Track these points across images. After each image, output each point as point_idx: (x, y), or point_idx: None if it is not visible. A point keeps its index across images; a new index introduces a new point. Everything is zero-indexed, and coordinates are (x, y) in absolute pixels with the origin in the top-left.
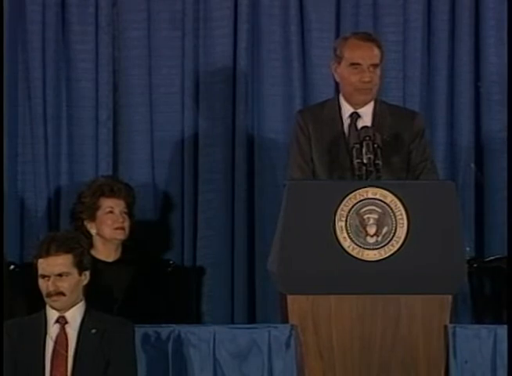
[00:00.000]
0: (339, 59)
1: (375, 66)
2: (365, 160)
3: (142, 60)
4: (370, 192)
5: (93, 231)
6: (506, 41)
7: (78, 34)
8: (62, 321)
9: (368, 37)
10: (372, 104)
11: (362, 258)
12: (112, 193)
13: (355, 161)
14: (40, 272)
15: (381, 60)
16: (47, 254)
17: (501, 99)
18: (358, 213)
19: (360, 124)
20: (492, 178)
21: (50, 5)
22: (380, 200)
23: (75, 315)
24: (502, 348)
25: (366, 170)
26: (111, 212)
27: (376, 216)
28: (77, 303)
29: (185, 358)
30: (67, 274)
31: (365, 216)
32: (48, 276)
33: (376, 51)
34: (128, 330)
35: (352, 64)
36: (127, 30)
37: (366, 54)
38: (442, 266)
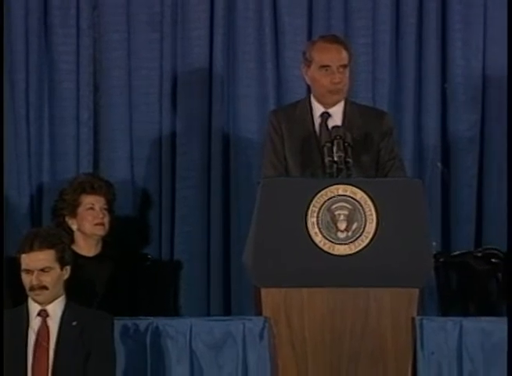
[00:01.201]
0: (309, 62)
1: (344, 67)
2: (336, 159)
3: (121, 62)
4: (341, 189)
5: (74, 227)
6: (507, 41)
7: (60, 37)
8: (43, 314)
9: (335, 40)
10: (342, 104)
11: (333, 252)
12: (92, 190)
13: (327, 159)
14: (23, 266)
15: (350, 61)
16: (30, 249)
17: (466, 100)
18: (329, 209)
19: (331, 123)
20: (458, 175)
21: (33, 9)
22: (351, 197)
23: (56, 308)
24: (467, 340)
25: (337, 168)
26: (92, 208)
27: (346, 212)
28: (59, 297)
29: (163, 349)
30: (50, 269)
31: (336, 212)
32: (32, 271)
33: (344, 53)
34: (107, 323)
35: (322, 66)
36: (107, 33)
37: (335, 56)
38: (410, 261)
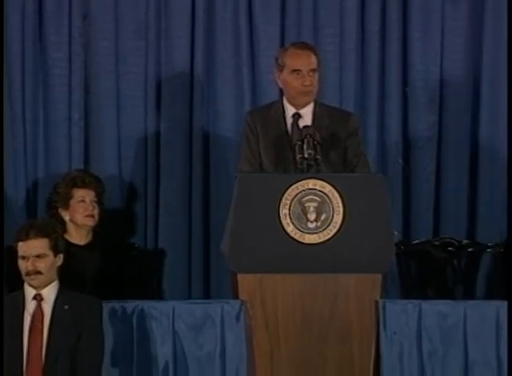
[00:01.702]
0: (281, 67)
1: (313, 71)
2: (306, 156)
3: (110, 67)
4: (311, 183)
5: (67, 218)
6: (507, 42)
7: (54, 44)
8: (38, 298)
9: (305, 46)
10: (311, 105)
11: (304, 241)
12: (83, 185)
13: (298, 156)
14: (20, 253)
15: (318, 66)
16: (26, 237)
17: (425, 102)
18: (300, 202)
19: (301, 123)
20: (418, 171)
21: (29, 18)
22: (320, 191)
23: (50, 293)
24: (426, 322)
25: (307, 164)
26: (83, 201)
27: (315, 204)
28: (52, 282)
29: (148, 330)
30: (44, 256)
31: (306, 204)
32: (28, 258)
33: (313, 58)
34: (96, 307)
35: (294, 70)
36: (97, 41)
37: (305, 61)
38: (374, 249)
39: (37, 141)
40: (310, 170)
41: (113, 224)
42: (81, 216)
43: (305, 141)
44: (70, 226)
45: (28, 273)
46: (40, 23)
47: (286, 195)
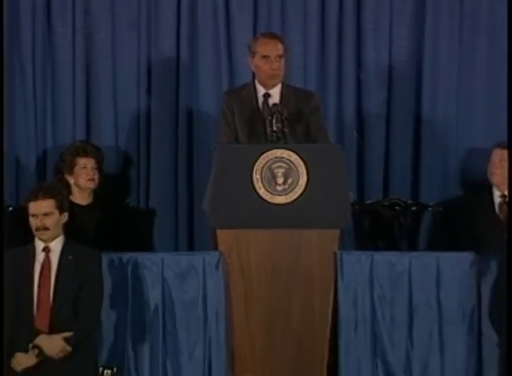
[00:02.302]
0: (253, 53)
1: (280, 57)
2: (275, 129)
3: (107, 53)
4: (279, 152)
5: (71, 182)
6: (507, 42)
7: (60, 34)
8: (47, 250)
9: (273, 36)
10: (279, 86)
11: (273, 201)
12: (85, 154)
13: (268, 130)
14: (30, 212)
15: (285, 52)
16: (36, 198)
17: (376, 84)
18: (269, 168)
19: (271, 101)
20: (369, 142)
21: (38, 12)
22: (287, 159)
23: (57, 245)
24: (377, 270)
25: (276, 136)
26: (85, 168)
27: (283, 170)
28: (58, 236)
29: (141, 277)
30: (51, 214)
31: (275, 170)
32: (37, 215)
33: (280, 45)
34: (97, 257)
35: (263, 57)
36: (96, 32)
37: (273, 48)
38: (333, 208)
39: (46, 117)
40: (278, 141)
41: (111, 187)
42: (83, 180)
43: (274, 117)
44: (74, 189)
45: (37, 229)
46: (48, 17)
47: (258, 162)
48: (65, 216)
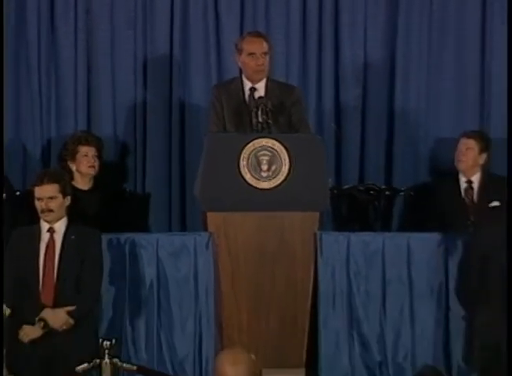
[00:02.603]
0: (240, 51)
1: (265, 54)
2: (260, 120)
3: (106, 51)
4: (264, 141)
5: (74, 168)
6: (507, 42)
7: (63, 33)
8: (51, 230)
9: (258, 34)
10: (264, 81)
11: (258, 186)
12: (87, 142)
13: (254, 120)
14: (36, 195)
15: (269, 50)
16: (41, 183)
17: (352, 80)
18: (255, 156)
19: (256, 95)
20: (346, 132)
21: (43, 13)
22: (271, 147)
23: (60, 226)
24: (353, 249)
25: (261, 126)
26: (86, 156)
27: (267, 158)
28: (62, 218)
29: (137, 256)
30: (55, 197)
31: (260, 158)
32: (42, 199)
33: (265, 43)
34: (97, 237)
35: (250, 54)
36: (96, 30)
37: (258, 46)
38: (313, 192)
39: (50, 109)
40: (263, 131)
41: (110, 173)
42: (84, 167)
43: (259, 108)
44: (76, 175)
45: (43, 211)
46: (52, 18)
47: (244, 150)
48: (68, 199)
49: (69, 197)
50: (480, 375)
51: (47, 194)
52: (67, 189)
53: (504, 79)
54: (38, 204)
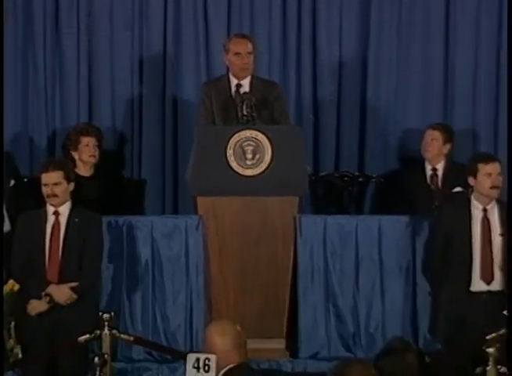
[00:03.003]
0: (227, 51)
1: (250, 53)
2: (245, 113)
3: (106, 50)
4: (248, 133)
5: (76, 157)
6: (507, 42)
7: (66, 34)
8: (56, 214)
9: (244, 36)
10: (249, 78)
11: (244, 174)
12: (88, 133)
13: (239, 114)
14: (43, 182)
15: (254, 49)
16: (47, 170)
17: (329, 75)
18: (240, 146)
19: (242, 90)
20: (323, 124)
21: (48, 15)
22: (255, 138)
23: (65, 210)
24: (329, 230)
25: (246, 119)
26: (87, 145)
27: (252, 148)
28: (66, 202)
29: (134, 237)
30: (60, 183)
31: (245, 148)
32: (48, 185)
33: (249, 44)
34: (98, 220)
35: (236, 53)
36: (97, 31)
37: (244, 47)
38: (293, 179)
39: (55, 103)
40: (248, 123)
41: (109, 161)
42: (86, 156)
43: (244, 103)
44: (78, 163)
45: (48, 196)
46: (56, 20)
47: (231, 141)
48: (71, 185)
49: (72, 183)
50: (443, 345)
51: (52, 180)
52: (71, 175)
53: (467, 74)
54: (45, 190)
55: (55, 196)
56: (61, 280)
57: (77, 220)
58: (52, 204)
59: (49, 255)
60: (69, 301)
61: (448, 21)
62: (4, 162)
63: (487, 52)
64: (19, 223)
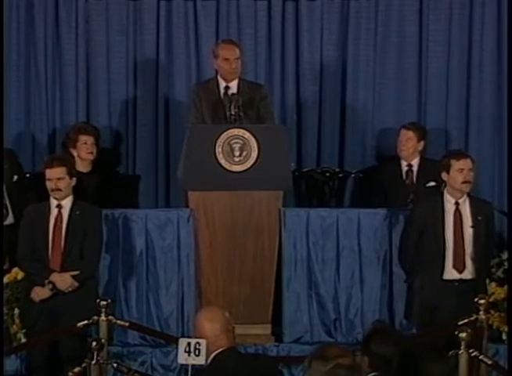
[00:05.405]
0: (216, 56)
1: (237, 58)
2: (233, 113)
3: (103, 53)
4: (236, 131)
5: (75, 154)
6: (507, 42)
7: (66, 39)
8: (59, 207)
9: (231, 42)
10: (237, 80)
11: (232, 169)
12: (86, 132)
13: (227, 113)
14: (47, 177)
15: (241, 55)
16: (51, 166)
17: (311, 78)
18: (229, 143)
19: (230, 92)
20: (306, 124)
21: (49, 21)
22: (242, 136)
23: (67, 203)
24: (311, 222)
25: (234, 119)
26: (85, 143)
27: (239, 145)
28: (69, 196)
29: (129, 228)
30: (63, 178)
31: (233, 145)
32: (52, 179)
33: (237, 50)
34: (97, 212)
35: (224, 59)
36: (94, 36)
37: (232, 52)
38: (277, 174)
39: (55, 103)
40: (235, 122)
41: (106, 158)
42: (84, 153)
43: (232, 103)
44: (77, 160)
45: (52, 190)
46: (56, 26)
47: (219, 139)
48: (74, 180)
49: (74, 178)
50: (418, 329)
51: (56, 175)
52: (73, 171)
53: (438, 78)
54: (49, 184)
55: (59, 190)
56: (63, 269)
57: (78, 213)
58: (55, 198)
59: (52, 245)
60: (70, 289)
61: (422, 28)
62: (3, 160)
63: (458, 55)
64: (25, 215)
